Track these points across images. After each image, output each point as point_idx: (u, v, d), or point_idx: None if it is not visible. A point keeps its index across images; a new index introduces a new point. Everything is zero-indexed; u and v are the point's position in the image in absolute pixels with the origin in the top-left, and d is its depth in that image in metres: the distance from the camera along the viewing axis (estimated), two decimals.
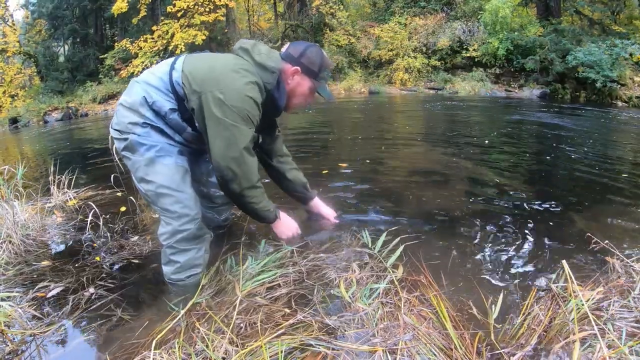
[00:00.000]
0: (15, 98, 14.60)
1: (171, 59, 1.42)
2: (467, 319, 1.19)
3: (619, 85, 9.42)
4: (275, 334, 1.09)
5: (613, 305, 1.14)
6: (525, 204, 2.15)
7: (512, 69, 11.49)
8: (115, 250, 1.81)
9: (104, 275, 1.59)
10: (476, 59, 11.81)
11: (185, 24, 13.29)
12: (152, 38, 13.66)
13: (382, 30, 13.23)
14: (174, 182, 1.38)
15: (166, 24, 13.56)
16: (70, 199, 2.51)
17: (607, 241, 1.48)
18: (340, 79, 12.93)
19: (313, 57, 1.44)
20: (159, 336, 1.15)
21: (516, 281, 1.41)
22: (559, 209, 2.08)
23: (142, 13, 13.89)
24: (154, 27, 13.87)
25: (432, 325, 1.12)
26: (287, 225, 1.66)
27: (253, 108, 1.33)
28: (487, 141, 4.23)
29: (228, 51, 1.53)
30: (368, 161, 3.27)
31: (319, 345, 1.04)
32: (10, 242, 1.79)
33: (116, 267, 1.67)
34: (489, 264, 1.54)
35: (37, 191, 2.45)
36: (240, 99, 1.30)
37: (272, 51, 1.44)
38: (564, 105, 8.50)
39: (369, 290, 1.27)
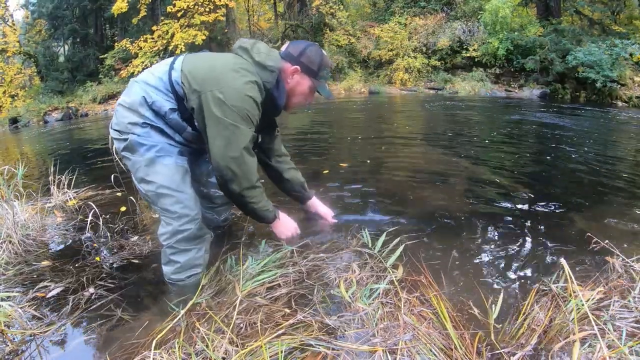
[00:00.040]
0: (15, 98, 14.60)
1: (170, 59, 1.42)
2: (467, 319, 1.19)
3: (619, 85, 9.42)
4: (275, 334, 1.09)
5: (613, 305, 1.14)
6: (525, 204, 2.15)
7: (512, 69, 11.48)
8: (115, 250, 1.81)
9: (104, 275, 1.59)
10: (476, 59, 11.80)
11: (185, 24, 13.28)
12: (152, 38, 13.65)
13: (382, 30, 13.23)
14: (174, 182, 1.38)
15: (166, 24, 13.56)
16: (70, 199, 2.51)
17: (607, 241, 1.48)
18: (340, 79, 12.93)
19: (313, 56, 1.44)
20: (159, 336, 1.15)
21: (516, 281, 1.41)
22: (559, 209, 2.08)
23: (142, 13, 13.89)
24: (154, 27, 13.87)
25: (432, 325, 1.12)
26: (286, 225, 1.66)
27: (253, 107, 1.33)
28: (487, 141, 4.23)
29: (228, 51, 1.53)
30: (368, 161, 3.27)
31: (319, 345, 1.04)
32: (10, 242, 1.79)
33: (116, 267, 1.67)
34: (489, 264, 1.54)
35: (37, 191, 2.45)
36: (240, 98, 1.30)
37: (271, 50, 1.43)
38: (564, 105, 8.49)
39: (369, 290, 1.27)
